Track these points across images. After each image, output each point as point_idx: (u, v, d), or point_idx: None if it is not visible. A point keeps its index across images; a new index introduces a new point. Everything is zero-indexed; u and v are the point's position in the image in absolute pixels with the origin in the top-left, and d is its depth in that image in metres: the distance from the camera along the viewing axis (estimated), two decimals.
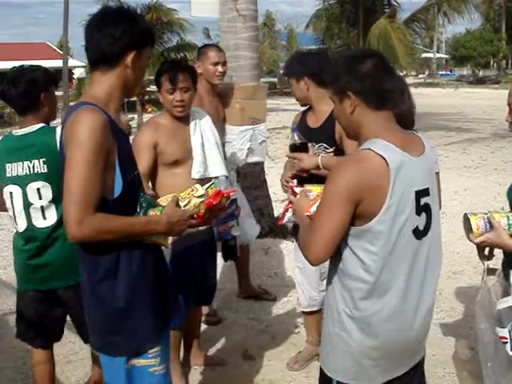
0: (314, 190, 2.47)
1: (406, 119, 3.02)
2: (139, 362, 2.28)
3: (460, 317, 4.76)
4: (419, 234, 2.15)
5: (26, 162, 2.97)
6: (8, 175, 3.01)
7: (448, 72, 62.22)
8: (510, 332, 2.54)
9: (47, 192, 2.96)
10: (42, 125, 3.05)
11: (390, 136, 2.11)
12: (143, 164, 3.22)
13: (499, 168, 11.52)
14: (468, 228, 2.59)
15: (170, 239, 3.09)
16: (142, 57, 2.23)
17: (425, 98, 32.56)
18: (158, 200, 2.38)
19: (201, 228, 3.35)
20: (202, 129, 3.60)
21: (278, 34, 45.00)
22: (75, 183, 2.01)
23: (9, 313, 5.20)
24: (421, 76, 58.39)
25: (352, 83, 2.12)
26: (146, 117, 25.67)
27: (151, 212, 2.23)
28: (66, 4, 20.19)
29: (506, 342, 2.55)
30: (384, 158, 2.04)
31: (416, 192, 2.12)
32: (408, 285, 2.15)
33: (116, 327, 2.24)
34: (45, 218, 3.01)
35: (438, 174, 3.03)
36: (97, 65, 2.21)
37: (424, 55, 52.06)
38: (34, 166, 2.96)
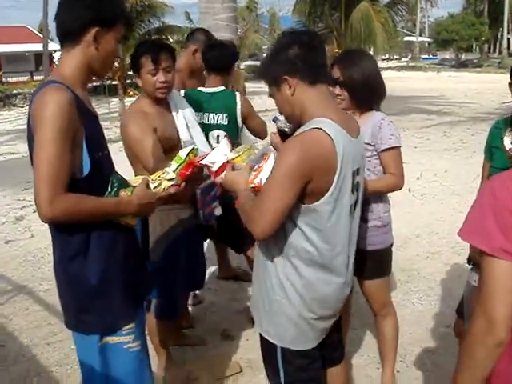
0: (237, 160, 2.46)
1: (361, 98, 3.07)
2: (113, 339, 2.29)
3: (437, 296, 4.81)
4: (352, 210, 2.30)
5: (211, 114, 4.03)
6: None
7: (430, 56, 62.32)
8: None
9: None
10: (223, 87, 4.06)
11: (334, 116, 2.18)
12: (150, 147, 3.12)
13: (478, 150, 11.39)
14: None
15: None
16: (108, 35, 2.18)
17: (407, 81, 32.73)
18: (129, 180, 2.36)
19: (188, 214, 3.40)
20: (181, 110, 3.54)
21: (260, 17, 44.74)
22: (44, 163, 1.99)
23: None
24: (403, 60, 58.46)
25: (284, 67, 2.21)
26: (128, 101, 25.53)
27: (122, 192, 2.22)
28: None
29: None
30: (332, 140, 2.10)
31: (353, 171, 2.22)
32: (344, 255, 2.32)
33: (88, 305, 2.24)
34: None
35: (387, 150, 3.03)
36: (62, 42, 2.19)
37: (406, 39, 52.19)
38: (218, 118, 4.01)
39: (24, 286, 5.41)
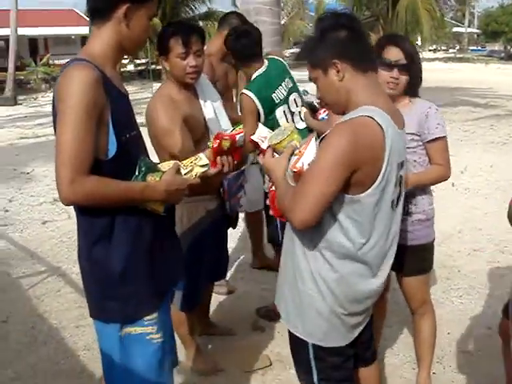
0: (278, 146, 2.30)
1: (414, 83, 2.95)
2: (135, 329, 2.19)
3: (478, 296, 4.61)
4: (394, 205, 2.17)
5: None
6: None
7: (479, 47, 60.89)
8: None
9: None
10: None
11: (384, 106, 2.06)
12: (179, 138, 2.96)
13: None
14: None
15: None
16: (139, 12, 2.09)
17: (454, 73, 31.96)
18: (159, 165, 2.26)
19: (215, 205, 3.28)
20: (209, 96, 3.36)
21: (306, 4, 44.25)
22: (66, 142, 1.90)
23: (23, 276, 5.21)
24: (451, 51, 57.22)
25: (336, 50, 2.06)
26: None
27: (150, 177, 2.11)
28: None
29: None
30: (382, 129, 1.98)
31: (397, 164, 2.10)
32: (382, 251, 2.19)
33: (110, 292, 2.15)
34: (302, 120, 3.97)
35: (435, 140, 2.91)
36: (92, 19, 2.11)
37: (455, 29, 51.05)
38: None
39: (58, 268, 5.41)
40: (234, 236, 5.73)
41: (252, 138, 2.52)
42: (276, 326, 4.13)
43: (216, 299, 4.44)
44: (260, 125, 2.54)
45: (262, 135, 2.43)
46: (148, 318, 2.21)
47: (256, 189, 4.39)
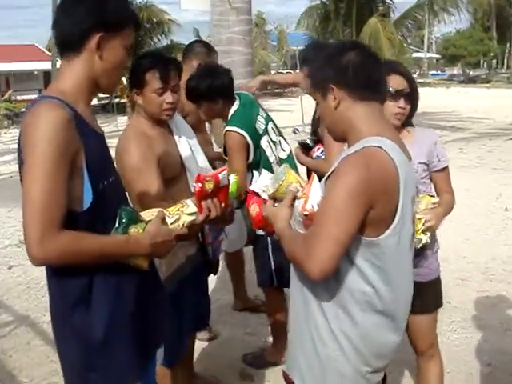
0: (278, 193, 2.08)
1: (413, 112, 2.83)
2: None
3: (472, 329, 4.43)
4: (411, 243, 1.98)
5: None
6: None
7: (439, 72, 62.11)
8: None
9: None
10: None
11: (391, 135, 1.87)
12: (153, 181, 2.68)
13: (498, 167, 11.26)
14: None
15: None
16: (114, 41, 1.86)
17: None
18: (142, 214, 2.02)
19: (195, 249, 3.01)
20: (183, 132, 3.10)
21: (268, 34, 44.71)
22: (34, 195, 1.66)
23: None
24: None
25: (333, 75, 1.91)
26: None
27: (132, 229, 1.87)
28: (54, 5, 19.77)
29: None
30: (394, 161, 1.79)
31: (411, 198, 1.91)
32: (402, 298, 1.98)
33: (92, 362, 1.89)
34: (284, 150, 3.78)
35: (445, 169, 2.86)
36: (62, 52, 1.87)
37: (415, 55, 51.97)
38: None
39: (26, 317, 5.07)
40: (212, 276, 5.46)
41: (251, 188, 2.28)
42: (266, 373, 3.88)
43: (198, 346, 4.16)
44: (263, 171, 2.30)
45: (264, 184, 2.20)
46: None
47: (235, 228, 4.14)
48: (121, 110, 24.23)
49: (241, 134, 3.55)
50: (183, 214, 2.07)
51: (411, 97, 2.72)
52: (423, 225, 2.60)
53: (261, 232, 3.62)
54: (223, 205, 2.34)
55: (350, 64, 1.87)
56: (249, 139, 3.58)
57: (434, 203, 2.65)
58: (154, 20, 26.09)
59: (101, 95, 31.36)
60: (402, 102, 2.68)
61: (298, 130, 3.38)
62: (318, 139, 3.30)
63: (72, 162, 1.72)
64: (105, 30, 1.82)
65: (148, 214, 1.99)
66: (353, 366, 1.93)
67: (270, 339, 4.16)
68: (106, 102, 30.69)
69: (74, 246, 1.71)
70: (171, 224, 2.03)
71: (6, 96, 26.28)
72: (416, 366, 3.13)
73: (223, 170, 2.34)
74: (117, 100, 28.82)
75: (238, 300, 4.89)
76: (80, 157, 1.75)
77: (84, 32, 1.81)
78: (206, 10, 5.81)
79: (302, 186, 2.05)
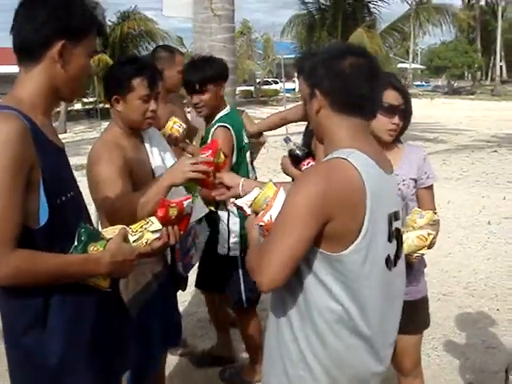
0: (255, 205, 2.06)
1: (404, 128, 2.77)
2: None
3: (453, 345, 4.35)
4: (390, 263, 1.86)
5: None
6: None
7: (423, 83, 62.50)
8: None
9: None
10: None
11: (366, 147, 1.78)
12: (124, 192, 2.56)
13: (481, 180, 11.25)
14: None
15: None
16: (76, 49, 1.76)
17: None
18: (103, 231, 1.92)
19: (161, 266, 2.89)
20: (156, 144, 2.97)
21: (254, 42, 44.70)
22: None
23: None
24: None
25: (321, 80, 1.83)
26: None
27: (92, 247, 1.77)
28: None
29: None
30: (360, 173, 1.70)
31: (389, 215, 1.81)
32: (377, 320, 1.86)
33: None
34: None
35: (431, 187, 2.80)
36: (19, 59, 1.76)
37: (400, 65, 52.24)
38: None
39: None
40: (188, 289, 5.35)
41: (236, 202, 2.21)
42: None
43: (171, 361, 4.05)
44: (255, 189, 2.21)
45: (249, 199, 2.13)
46: None
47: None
48: (105, 115, 24.01)
49: (231, 134, 3.50)
50: (146, 231, 1.99)
51: (405, 113, 2.65)
52: (431, 242, 2.53)
53: (233, 252, 3.56)
54: (182, 233, 2.26)
55: (340, 73, 1.79)
56: (235, 142, 3.52)
57: (434, 221, 2.58)
58: (142, 28, 25.99)
59: (85, 100, 31.27)
60: (396, 119, 2.61)
61: (289, 138, 3.25)
62: (309, 151, 3.20)
63: (27, 177, 1.62)
64: (67, 38, 1.73)
65: (110, 232, 1.89)
66: None
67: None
68: (91, 107, 30.50)
69: (29, 265, 1.62)
70: (134, 242, 1.94)
71: None
72: None
73: (187, 199, 2.27)
74: (101, 105, 28.62)
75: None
76: (36, 171, 1.65)
77: (45, 39, 1.71)
78: (188, 17, 5.72)
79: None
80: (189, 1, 5.56)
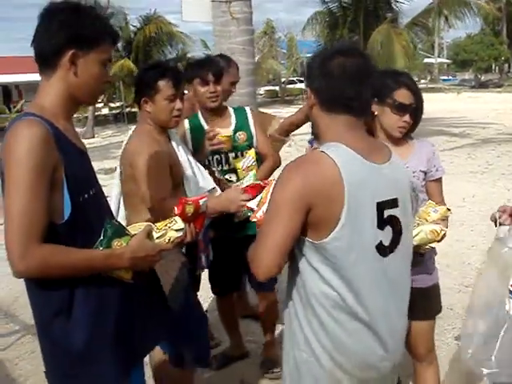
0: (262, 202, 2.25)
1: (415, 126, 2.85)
2: None
3: None
4: (384, 249, 1.95)
5: None
6: None
7: (450, 77, 61.90)
8: None
9: None
10: None
11: (348, 140, 1.91)
12: (168, 185, 2.81)
13: (507, 173, 11.20)
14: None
15: None
16: (87, 57, 1.90)
17: (427, 103, 32.21)
18: (130, 227, 2.07)
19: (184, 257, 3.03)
20: (179, 143, 3.21)
21: (278, 42, 44.74)
22: (15, 210, 1.71)
23: None
24: (423, 81, 58.14)
25: (313, 80, 1.97)
26: None
27: (116, 242, 1.91)
28: None
29: None
30: (336, 165, 1.81)
31: (378, 203, 1.89)
32: (376, 305, 1.95)
33: (73, 372, 1.94)
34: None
35: (440, 179, 2.90)
36: (39, 68, 1.92)
37: (425, 60, 51.84)
38: None
39: (31, 326, 5.08)
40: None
41: (248, 204, 2.42)
42: (266, 382, 3.91)
43: None
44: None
45: (257, 200, 2.29)
46: None
47: None
48: (132, 119, 24.41)
49: None
50: (170, 229, 2.12)
51: (416, 111, 2.74)
52: (442, 237, 2.60)
53: None
54: (197, 231, 2.38)
55: (326, 75, 1.90)
56: None
57: (446, 216, 2.68)
58: (163, 32, 26.23)
59: (112, 105, 31.71)
60: (407, 117, 2.70)
61: (313, 141, 3.34)
62: None
63: (52, 177, 1.77)
64: (77, 47, 1.87)
65: (136, 228, 2.04)
66: (326, 370, 1.96)
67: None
68: (118, 111, 30.93)
69: (54, 259, 1.76)
70: (157, 238, 2.07)
71: (19, 106, 26.45)
72: (413, 371, 3.13)
73: (203, 197, 2.40)
74: (128, 109, 29.01)
75: (240, 307, 4.91)
76: (59, 171, 1.80)
77: (56, 48, 1.86)
78: (207, 21, 5.86)
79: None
80: (207, 5, 5.71)
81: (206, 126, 3.62)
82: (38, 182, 1.73)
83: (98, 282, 1.91)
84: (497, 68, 60.13)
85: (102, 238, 1.90)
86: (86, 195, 1.91)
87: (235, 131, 3.63)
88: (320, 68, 1.93)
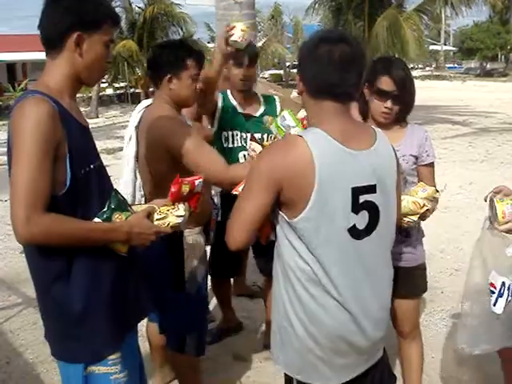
0: None
1: (406, 111, 2.94)
2: (99, 369, 2.12)
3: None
4: (357, 233, 2.01)
5: None
6: None
7: (455, 65, 61.64)
8: (503, 285, 2.40)
9: None
10: None
11: (329, 126, 1.98)
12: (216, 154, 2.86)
13: (505, 161, 11.28)
14: (494, 214, 2.45)
15: None
16: (92, 39, 2.01)
17: (432, 91, 32.30)
18: (135, 207, 2.21)
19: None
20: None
21: (284, 26, 44.52)
22: (21, 179, 1.83)
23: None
24: (428, 69, 57.93)
25: (300, 68, 2.07)
26: None
27: (116, 215, 2.04)
28: None
29: (493, 293, 2.42)
30: (310, 148, 1.91)
31: (353, 188, 1.97)
32: (347, 285, 2.03)
33: (72, 332, 2.08)
34: None
35: (431, 164, 2.99)
36: (46, 50, 2.04)
37: (431, 47, 51.63)
38: None
39: (34, 299, 5.21)
40: None
41: None
42: (258, 355, 4.05)
43: None
44: None
45: None
46: (112, 357, 2.14)
47: None
48: (135, 100, 24.45)
49: None
50: (171, 214, 2.21)
51: (400, 98, 2.81)
52: (424, 214, 2.69)
53: None
54: (193, 210, 2.49)
55: (311, 62, 1.99)
56: None
57: (434, 197, 2.74)
58: (164, 11, 26.15)
59: (117, 85, 31.72)
60: (388, 103, 2.79)
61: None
62: None
63: (56, 151, 1.89)
64: (82, 29, 1.98)
65: (141, 207, 2.21)
66: (300, 339, 2.08)
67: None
68: (121, 91, 30.97)
69: (57, 227, 1.88)
70: (157, 220, 2.18)
71: (23, 85, 26.58)
72: (398, 348, 3.27)
73: (199, 178, 2.51)
74: (132, 90, 29.03)
75: (236, 286, 5.05)
76: (63, 146, 1.92)
77: (63, 32, 1.97)
78: (211, 5, 5.96)
79: None
80: None
81: (237, 107, 3.81)
82: (44, 155, 1.85)
83: (96, 251, 2.04)
84: (503, 57, 59.82)
85: (105, 209, 2.02)
86: (87, 168, 2.03)
87: (262, 115, 3.67)
88: (307, 55, 2.02)
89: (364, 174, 2.01)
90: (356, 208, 1.99)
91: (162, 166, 2.86)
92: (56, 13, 1.98)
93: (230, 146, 3.81)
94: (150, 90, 25.19)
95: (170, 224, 2.22)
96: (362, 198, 2.00)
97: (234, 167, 2.80)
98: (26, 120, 1.85)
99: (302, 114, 2.58)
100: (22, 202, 1.82)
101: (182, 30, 27.77)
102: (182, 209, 2.26)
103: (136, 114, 3.24)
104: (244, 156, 3.74)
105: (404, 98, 2.84)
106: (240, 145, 3.79)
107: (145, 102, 3.27)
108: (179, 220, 2.24)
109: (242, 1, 5.76)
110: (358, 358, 2.17)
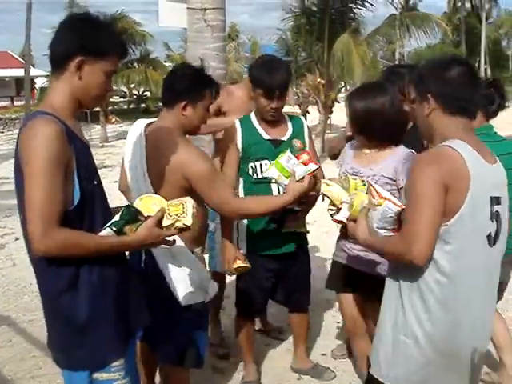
0: (354, 211, 2.42)
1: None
2: (102, 376, 2.23)
3: None
4: (491, 240, 2.16)
5: None
6: None
7: None
8: None
9: None
10: None
11: (469, 140, 2.14)
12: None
13: None
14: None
15: None
16: (94, 66, 2.13)
17: None
18: (145, 197, 2.30)
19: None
20: None
21: (241, 45, 44.97)
22: (37, 196, 1.96)
23: None
24: None
25: (433, 86, 2.18)
26: (111, 128, 25.41)
27: (128, 227, 2.15)
28: (28, 12, 19.78)
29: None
30: (462, 156, 2.07)
31: (491, 197, 2.14)
32: (478, 291, 2.18)
33: (78, 340, 2.19)
34: None
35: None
36: (52, 69, 2.18)
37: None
38: None
39: (7, 317, 5.26)
40: None
41: (336, 218, 2.58)
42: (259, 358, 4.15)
43: None
44: (344, 203, 2.55)
45: (346, 214, 2.49)
46: (114, 364, 2.25)
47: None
48: (94, 119, 24.28)
49: None
50: (179, 220, 2.29)
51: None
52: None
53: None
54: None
55: (450, 80, 2.16)
56: None
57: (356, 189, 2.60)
58: (128, 31, 26.23)
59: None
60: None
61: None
62: None
63: (65, 169, 2.02)
64: (85, 55, 2.10)
65: (150, 203, 2.26)
66: (422, 351, 2.17)
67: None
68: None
69: (71, 241, 2.02)
70: (166, 226, 2.27)
71: None
72: None
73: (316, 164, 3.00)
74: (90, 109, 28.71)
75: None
76: (72, 163, 2.06)
77: (68, 54, 2.10)
78: (183, 27, 6.11)
79: (373, 197, 2.36)
80: (183, 12, 5.96)
81: (262, 132, 3.58)
82: (55, 173, 1.98)
83: (101, 261, 2.16)
84: None
85: (117, 219, 2.13)
86: (92, 184, 2.17)
87: (291, 138, 3.58)
88: (440, 76, 2.18)
89: (495, 185, 2.18)
90: (492, 216, 2.15)
91: (174, 189, 2.81)
92: (67, 35, 2.13)
93: (260, 177, 3.51)
94: (109, 108, 25.17)
95: (178, 227, 2.31)
96: (495, 208, 2.16)
97: (245, 200, 3.00)
98: (38, 140, 1.98)
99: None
100: (39, 218, 1.94)
101: (138, 47, 27.96)
102: (189, 216, 2.30)
103: (136, 132, 3.02)
104: (278, 188, 3.41)
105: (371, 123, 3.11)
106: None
107: (142, 122, 3.09)
108: (188, 223, 2.31)
109: (213, 24, 5.94)
110: (467, 369, 2.26)
